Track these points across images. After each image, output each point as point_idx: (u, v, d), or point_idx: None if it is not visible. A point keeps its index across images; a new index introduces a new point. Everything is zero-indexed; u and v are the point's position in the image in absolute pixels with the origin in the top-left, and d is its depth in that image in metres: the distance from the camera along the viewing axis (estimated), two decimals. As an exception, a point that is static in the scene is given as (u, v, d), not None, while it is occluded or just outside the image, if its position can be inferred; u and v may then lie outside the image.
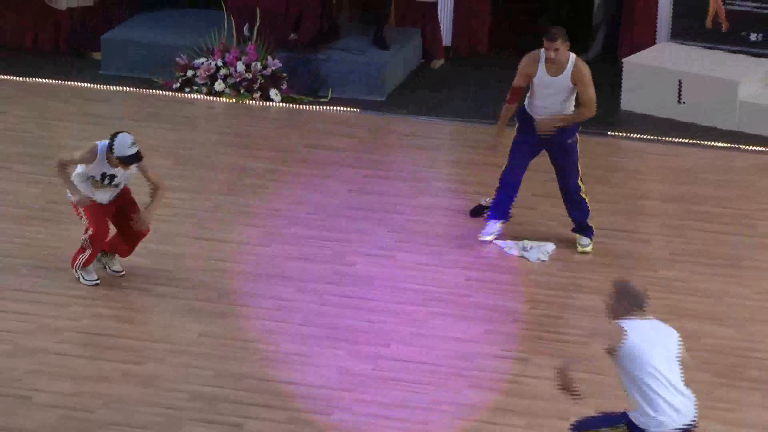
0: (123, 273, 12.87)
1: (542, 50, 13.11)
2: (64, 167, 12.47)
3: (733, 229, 14.13)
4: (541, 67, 13.13)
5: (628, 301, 9.47)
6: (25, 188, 14.52)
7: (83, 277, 12.67)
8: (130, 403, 11.06)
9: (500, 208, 13.69)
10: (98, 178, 12.47)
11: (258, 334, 12.07)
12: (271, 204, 14.36)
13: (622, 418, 9.48)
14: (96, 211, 12.53)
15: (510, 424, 10.93)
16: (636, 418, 9.39)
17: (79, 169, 12.50)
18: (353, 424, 10.89)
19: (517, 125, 13.49)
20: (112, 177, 12.49)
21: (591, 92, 13.11)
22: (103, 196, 12.60)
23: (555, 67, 13.10)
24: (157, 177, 12.70)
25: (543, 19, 17.95)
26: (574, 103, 13.22)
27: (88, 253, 12.57)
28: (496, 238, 13.69)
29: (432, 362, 11.73)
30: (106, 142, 12.35)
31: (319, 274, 13.06)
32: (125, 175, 12.56)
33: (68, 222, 13.49)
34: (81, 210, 12.53)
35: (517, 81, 13.36)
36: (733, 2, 17.01)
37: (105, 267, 12.87)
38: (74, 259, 12.70)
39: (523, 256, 13.46)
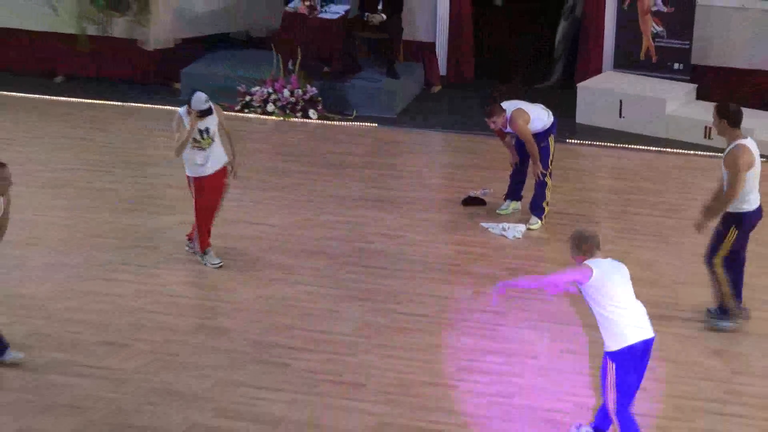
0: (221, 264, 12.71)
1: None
2: (179, 151, 12.29)
3: (663, 213, 14.11)
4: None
5: (587, 244, 9.43)
6: (123, 187, 14.54)
7: (209, 262, 12.61)
8: (205, 348, 11.11)
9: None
10: (198, 137, 12.26)
11: (299, 295, 12.11)
12: (308, 196, 14.39)
13: (606, 359, 9.37)
14: (200, 186, 12.39)
15: (491, 361, 10.96)
16: (609, 347, 9.30)
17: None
18: (373, 362, 10.91)
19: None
20: (207, 130, 12.27)
21: (522, 129, 13.22)
22: (204, 155, 12.32)
23: (499, 126, 13.33)
24: (228, 129, 12.60)
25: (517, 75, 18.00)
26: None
27: (197, 236, 12.51)
28: (483, 221, 13.75)
29: (432, 315, 11.76)
30: (184, 107, 12.23)
31: (345, 249, 13.09)
32: (212, 124, 12.33)
33: (157, 213, 13.54)
34: (193, 187, 12.39)
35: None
36: (661, 40, 16.99)
37: (188, 247, 12.84)
38: (190, 237, 12.69)
39: (502, 235, 13.48)
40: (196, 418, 10.07)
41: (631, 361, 9.31)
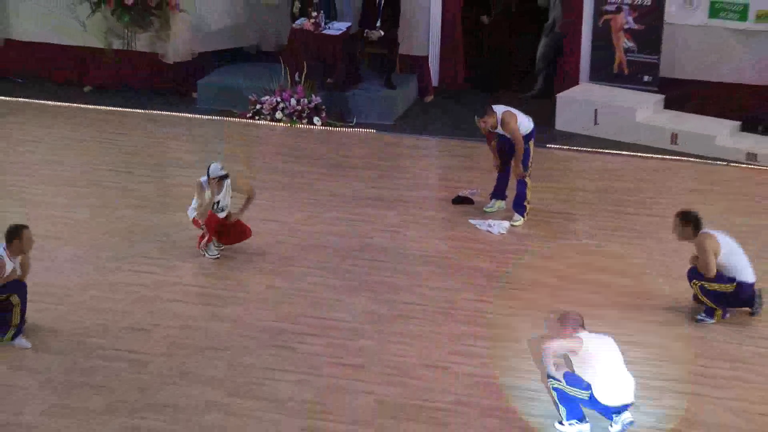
0: (218, 256, 12.69)
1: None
2: (202, 216, 12.42)
3: (636, 210, 14.10)
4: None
5: (570, 324, 9.65)
6: (143, 186, 14.52)
7: (207, 253, 12.60)
8: (220, 334, 11.10)
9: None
10: (212, 207, 12.39)
11: (306, 286, 12.08)
12: (313, 195, 14.36)
13: (588, 387, 9.51)
14: (211, 220, 12.45)
15: (481, 345, 10.97)
16: (596, 391, 9.48)
17: (194, 204, 12.48)
18: (373, 347, 10.91)
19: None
20: (217, 203, 12.43)
21: (514, 129, 13.25)
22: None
23: (490, 127, 13.34)
24: (247, 183, 12.77)
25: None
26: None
27: (206, 239, 12.54)
28: (470, 218, 13.73)
29: (428, 304, 11.74)
30: (205, 177, 12.36)
31: (348, 244, 13.06)
32: (225, 197, 12.47)
33: (174, 210, 13.51)
34: (201, 222, 12.49)
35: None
36: (632, 54, 16.99)
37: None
38: (198, 244, 12.64)
39: (488, 231, 13.47)
40: (211, 397, 10.07)
41: (600, 406, 9.52)
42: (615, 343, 9.69)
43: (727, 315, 11.47)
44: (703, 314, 11.47)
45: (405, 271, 12.43)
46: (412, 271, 12.43)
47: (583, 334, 9.58)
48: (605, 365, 9.52)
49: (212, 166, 12.39)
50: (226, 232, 12.65)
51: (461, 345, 10.97)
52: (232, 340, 11.00)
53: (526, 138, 13.43)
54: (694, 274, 11.40)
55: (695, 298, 11.58)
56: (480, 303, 11.77)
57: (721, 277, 11.27)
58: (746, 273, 11.36)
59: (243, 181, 12.81)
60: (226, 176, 12.40)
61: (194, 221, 12.61)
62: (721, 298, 11.37)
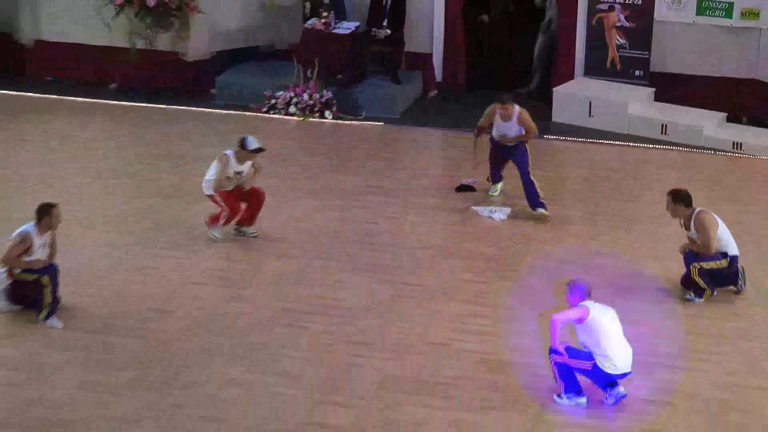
0: (256, 234, 12.80)
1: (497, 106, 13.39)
2: (217, 186, 12.41)
3: (626, 198, 14.14)
4: (497, 118, 13.42)
5: (580, 293, 9.64)
6: (167, 177, 14.58)
7: (214, 235, 12.64)
8: (236, 314, 11.15)
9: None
10: (232, 176, 12.44)
11: (315, 268, 12.13)
12: (325, 184, 14.40)
13: (591, 358, 9.58)
14: (229, 197, 12.53)
15: (479, 324, 11.02)
16: (599, 360, 9.53)
17: (213, 174, 12.44)
18: (379, 325, 10.96)
19: (490, 146, 13.76)
20: (241, 173, 12.50)
21: (529, 120, 13.37)
22: (229, 187, 12.54)
23: (506, 116, 13.34)
24: (258, 163, 12.72)
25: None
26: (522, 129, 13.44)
27: (222, 222, 12.53)
28: (473, 206, 13.74)
29: (429, 285, 11.79)
30: (232, 150, 12.41)
31: (354, 230, 13.11)
32: (246, 170, 12.54)
33: (194, 200, 13.57)
34: (219, 198, 12.48)
35: (482, 123, 13.68)
36: (624, 51, 17.00)
37: (243, 233, 12.79)
38: (211, 222, 12.65)
39: (490, 217, 13.52)
40: (230, 373, 10.13)
41: (600, 376, 9.58)
42: (616, 314, 9.73)
43: (714, 294, 11.53)
44: (692, 294, 11.53)
45: (408, 255, 12.48)
46: (414, 255, 12.49)
47: (589, 303, 9.59)
48: (609, 335, 9.53)
49: (249, 139, 12.39)
50: (246, 200, 12.63)
51: (461, 323, 11.03)
52: (248, 320, 11.06)
53: (523, 145, 13.54)
54: (692, 258, 11.47)
55: (683, 281, 11.64)
56: (479, 284, 11.81)
57: (714, 254, 11.38)
58: (733, 247, 11.50)
59: (257, 164, 12.76)
60: (261, 149, 12.45)
61: (211, 197, 12.56)
62: (715, 277, 11.45)
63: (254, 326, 10.93)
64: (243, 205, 12.67)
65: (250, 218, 12.77)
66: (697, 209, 11.54)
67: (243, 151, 12.40)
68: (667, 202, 11.63)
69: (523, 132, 13.41)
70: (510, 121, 13.36)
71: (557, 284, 11.68)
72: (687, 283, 11.61)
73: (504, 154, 13.68)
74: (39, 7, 18.13)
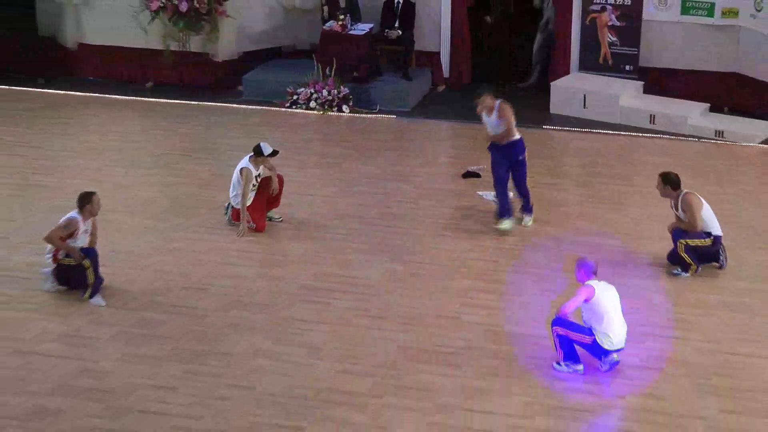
0: (281, 219, 12.75)
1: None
2: (243, 199, 12.30)
3: (618, 182, 14.09)
4: (483, 114, 12.52)
5: (585, 270, 9.63)
6: (199, 167, 14.55)
7: (233, 223, 12.53)
8: (264, 291, 11.15)
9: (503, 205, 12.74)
10: (254, 182, 12.33)
11: (336, 249, 12.11)
12: (343, 174, 14.37)
13: (591, 332, 9.57)
14: (257, 212, 12.44)
15: (485, 298, 11.01)
16: (599, 336, 9.54)
17: (240, 189, 12.23)
18: (394, 300, 10.95)
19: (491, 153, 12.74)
20: (259, 176, 12.40)
21: (508, 114, 12.34)
22: (252, 193, 12.40)
23: (486, 110, 12.47)
24: (270, 164, 12.59)
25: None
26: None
27: (244, 226, 12.31)
28: (479, 191, 13.68)
29: (438, 263, 11.77)
30: (246, 157, 12.30)
31: (371, 213, 13.08)
32: (263, 172, 12.44)
33: (226, 188, 13.44)
34: (247, 215, 12.33)
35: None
36: (615, 47, 16.93)
37: (269, 219, 12.68)
38: (234, 216, 12.50)
39: (494, 201, 13.37)
40: (259, 345, 10.13)
41: (597, 350, 9.59)
42: (617, 293, 9.71)
43: (699, 269, 11.48)
44: (679, 269, 11.48)
45: (420, 235, 12.46)
46: (425, 235, 12.46)
47: (594, 282, 9.58)
48: (610, 313, 9.53)
49: (263, 145, 12.33)
50: (266, 187, 12.49)
51: (469, 298, 11.01)
52: (275, 296, 11.06)
53: (522, 145, 12.53)
54: (679, 234, 11.44)
55: (670, 257, 11.59)
56: (485, 262, 11.78)
57: (699, 233, 11.32)
58: (716, 227, 11.46)
59: (268, 162, 12.56)
60: (275, 152, 12.40)
61: (239, 213, 12.31)
62: (699, 254, 11.42)
63: (281, 302, 10.92)
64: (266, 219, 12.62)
65: (274, 200, 12.71)
66: (685, 191, 11.53)
67: (259, 157, 12.32)
68: (658, 183, 11.62)
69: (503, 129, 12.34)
70: (491, 115, 12.42)
71: (557, 262, 11.67)
72: (674, 259, 11.57)
73: (502, 159, 12.53)
74: (81, 13, 18.13)
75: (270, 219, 12.77)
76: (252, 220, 12.43)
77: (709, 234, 11.43)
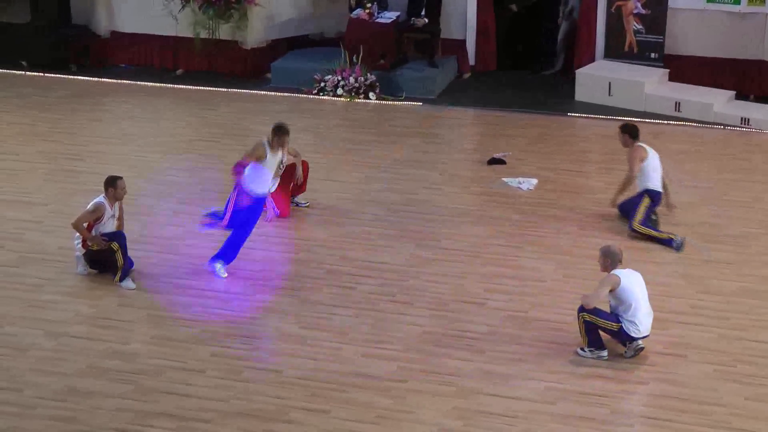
0: (308, 204, 12.70)
1: None
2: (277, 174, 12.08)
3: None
4: None
5: (611, 259, 9.56)
6: (228, 153, 14.49)
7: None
8: (292, 275, 11.16)
9: None
10: (275, 168, 11.71)
11: (362, 234, 12.08)
12: (369, 160, 14.30)
13: (618, 320, 9.52)
14: (280, 197, 12.39)
15: (509, 284, 10.97)
16: (624, 325, 9.49)
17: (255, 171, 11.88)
18: (418, 285, 10.94)
19: None
20: (281, 162, 11.85)
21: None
22: (275, 181, 12.13)
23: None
24: (294, 150, 12.45)
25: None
26: None
27: (269, 212, 12.24)
28: (503, 177, 13.60)
29: (461, 249, 11.73)
30: (264, 140, 11.76)
31: (396, 199, 13.01)
32: (284, 157, 11.97)
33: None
34: (271, 200, 12.24)
35: None
36: (640, 35, 16.79)
37: (296, 204, 12.67)
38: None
39: (518, 187, 13.39)
40: (285, 328, 10.14)
41: (623, 336, 9.56)
42: (642, 279, 9.65)
43: (683, 240, 11.69)
44: (679, 241, 11.67)
45: (444, 221, 12.40)
46: (450, 221, 12.40)
47: (619, 271, 9.51)
48: (637, 301, 9.48)
49: (277, 125, 11.72)
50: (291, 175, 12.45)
51: (493, 283, 10.97)
52: (302, 280, 11.05)
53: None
54: (626, 214, 11.99)
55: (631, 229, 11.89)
56: (508, 248, 11.73)
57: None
58: (654, 183, 11.95)
59: (292, 148, 12.36)
60: (283, 129, 11.56)
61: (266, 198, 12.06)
62: (653, 219, 11.91)
63: (307, 286, 10.91)
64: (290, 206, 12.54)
65: (300, 186, 12.68)
66: (637, 144, 12.04)
67: (274, 138, 11.63)
68: (618, 135, 12.22)
69: None
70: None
71: (581, 248, 11.61)
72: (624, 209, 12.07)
73: None
74: (114, 2, 18.17)
75: (297, 204, 12.74)
76: (276, 206, 12.40)
77: (645, 190, 11.88)
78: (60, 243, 11.68)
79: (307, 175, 12.69)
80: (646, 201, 11.91)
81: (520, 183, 13.37)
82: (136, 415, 8.89)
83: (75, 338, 9.99)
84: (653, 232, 11.79)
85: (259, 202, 11.31)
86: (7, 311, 10.43)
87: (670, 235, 11.73)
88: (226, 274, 11.01)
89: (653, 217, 12.03)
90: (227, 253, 11.10)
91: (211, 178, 13.64)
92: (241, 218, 11.15)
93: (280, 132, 11.43)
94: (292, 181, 12.53)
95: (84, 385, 9.27)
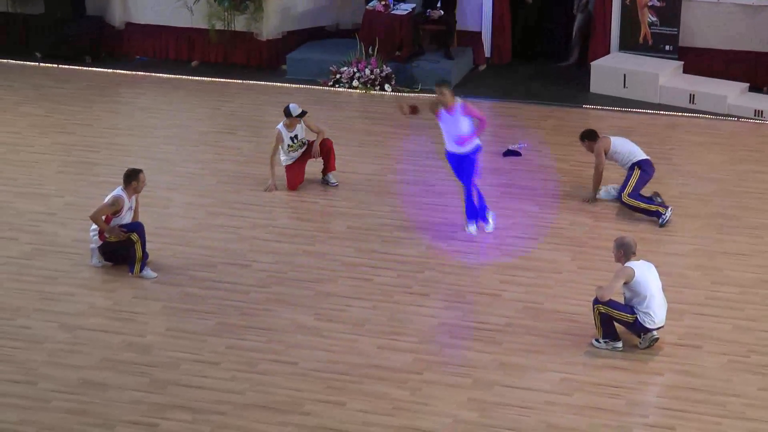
0: (337, 184, 12.93)
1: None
2: (272, 160, 12.74)
3: (657, 161, 13.71)
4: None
5: (625, 250, 9.48)
6: (244, 144, 14.46)
7: None
8: (307, 267, 11.13)
9: None
10: (289, 143, 12.57)
11: (379, 226, 12.02)
12: (386, 150, 14.22)
13: (633, 312, 9.45)
14: (293, 171, 12.75)
15: (525, 275, 10.92)
16: (639, 316, 9.43)
17: (279, 151, 12.74)
18: (435, 277, 10.89)
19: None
20: (296, 136, 12.50)
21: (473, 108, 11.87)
22: (296, 154, 12.73)
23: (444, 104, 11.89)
24: (317, 126, 12.86)
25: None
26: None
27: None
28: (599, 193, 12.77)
29: (479, 241, 11.66)
30: (281, 124, 12.56)
31: (413, 191, 12.94)
32: (302, 131, 12.62)
33: (269, 164, 13.50)
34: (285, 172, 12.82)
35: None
36: (655, 27, 16.67)
37: (327, 182, 12.93)
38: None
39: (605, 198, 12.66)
40: (301, 320, 10.10)
41: (637, 328, 9.52)
42: (656, 271, 9.57)
43: (669, 210, 11.89)
44: (666, 216, 11.84)
45: (460, 213, 12.23)
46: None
47: (633, 263, 9.44)
48: (651, 293, 9.41)
49: (291, 106, 12.57)
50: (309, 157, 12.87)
51: (509, 275, 10.90)
52: (318, 272, 11.01)
53: (474, 152, 11.84)
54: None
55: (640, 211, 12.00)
56: (525, 240, 11.65)
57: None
58: (638, 154, 12.19)
59: (315, 125, 12.92)
60: (304, 113, 12.60)
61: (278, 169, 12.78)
62: (637, 186, 12.02)
63: (323, 278, 10.87)
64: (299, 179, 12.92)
65: (327, 166, 12.94)
66: (599, 138, 12.32)
67: (288, 118, 12.58)
68: (581, 145, 12.49)
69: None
70: (450, 112, 11.80)
71: (596, 239, 11.53)
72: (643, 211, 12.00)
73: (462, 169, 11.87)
74: (129, -7, 18.14)
75: (327, 183, 12.92)
76: (286, 178, 12.73)
77: (632, 165, 12.09)
78: (75, 235, 11.65)
79: (333, 152, 12.89)
80: (636, 172, 12.09)
81: (608, 193, 12.71)
82: (151, 407, 8.85)
83: (89, 331, 9.95)
84: (642, 204, 11.95)
85: (454, 158, 11.89)
86: (21, 304, 10.41)
87: (659, 208, 11.90)
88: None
89: (658, 199, 12.16)
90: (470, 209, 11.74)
91: (225, 170, 13.59)
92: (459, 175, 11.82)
93: (293, 115, 12.57)
94: (308, 156, 12.80)
95: (98, 377, 9.23)
